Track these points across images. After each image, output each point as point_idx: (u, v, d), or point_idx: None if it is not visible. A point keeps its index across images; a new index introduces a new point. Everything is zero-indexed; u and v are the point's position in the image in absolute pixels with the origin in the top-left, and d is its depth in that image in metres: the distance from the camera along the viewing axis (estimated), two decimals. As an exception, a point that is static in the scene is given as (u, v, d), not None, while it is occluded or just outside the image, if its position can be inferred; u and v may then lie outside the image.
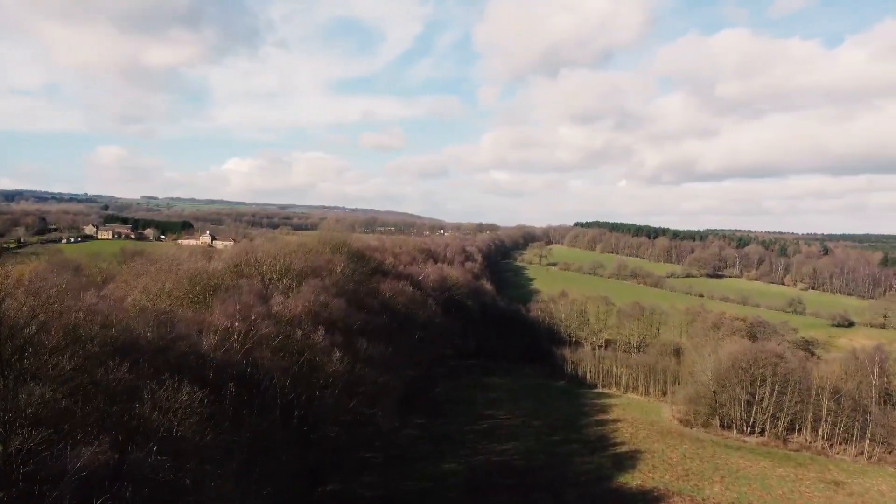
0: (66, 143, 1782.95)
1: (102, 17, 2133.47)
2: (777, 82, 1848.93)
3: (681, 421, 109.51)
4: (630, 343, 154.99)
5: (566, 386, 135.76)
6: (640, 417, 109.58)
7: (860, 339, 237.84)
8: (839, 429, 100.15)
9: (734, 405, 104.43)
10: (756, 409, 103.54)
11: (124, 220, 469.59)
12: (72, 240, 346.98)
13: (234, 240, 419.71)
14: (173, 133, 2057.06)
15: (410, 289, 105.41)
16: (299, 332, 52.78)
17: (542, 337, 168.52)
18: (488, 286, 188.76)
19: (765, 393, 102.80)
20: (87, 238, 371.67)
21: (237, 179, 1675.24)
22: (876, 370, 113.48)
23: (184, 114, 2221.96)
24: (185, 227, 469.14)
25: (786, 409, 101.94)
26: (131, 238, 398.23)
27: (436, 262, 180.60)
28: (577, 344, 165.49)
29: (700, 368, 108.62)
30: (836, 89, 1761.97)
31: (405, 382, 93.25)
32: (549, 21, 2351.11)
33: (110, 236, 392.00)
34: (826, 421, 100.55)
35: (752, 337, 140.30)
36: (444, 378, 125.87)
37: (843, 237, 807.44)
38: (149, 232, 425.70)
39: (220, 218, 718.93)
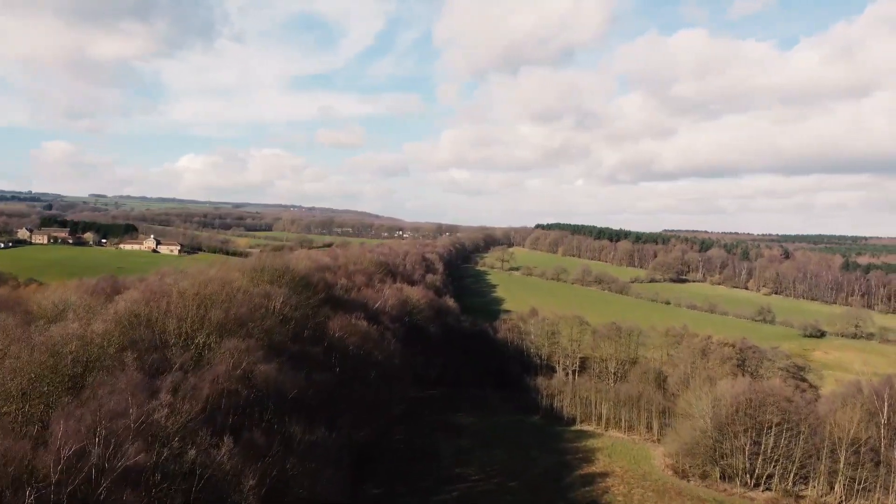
0: (10, 137, 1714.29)
1: (47, 7, 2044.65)
2: (733, 83, 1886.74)
3: (675, 471, 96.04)
4: (607, 369, 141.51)
5: (541, 422, 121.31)
6: (629, 468, 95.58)
7: (834, 351, 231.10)
8: (857, 483, 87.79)
9: (736, 454, 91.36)
10: (762, 458, 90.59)
11: (63, 223, 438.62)
12: (1, 245, 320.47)
13: (179, 244, 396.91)
14: (125, 128, 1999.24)
15: (365, 324, 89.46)
16: (192, 452, 36.60)
17: (511, 360, 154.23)
18: (451, 303, 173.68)
19: (770, 441, 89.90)
20: (19, 243, 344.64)
21: (191, 177, 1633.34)
22: (885, 408, 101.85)
23: (136, 109, 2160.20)
24: (128, 230, 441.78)
25: (796, 460, 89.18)
26: (69, 243, 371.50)
27: (394, 278, 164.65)
28: (550, 367, 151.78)
29: (697, 412, 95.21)
30: (790, 91, 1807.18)
31: (358, 443, 77.65)
32: (510, 18, 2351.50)
33: (46, 241, 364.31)
34: (843, 474, 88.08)
35: (742, 363, 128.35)
36: (404, 418, 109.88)
37: (798, 238, 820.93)
38: (88, 236, 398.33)
39: (170, 219, 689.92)
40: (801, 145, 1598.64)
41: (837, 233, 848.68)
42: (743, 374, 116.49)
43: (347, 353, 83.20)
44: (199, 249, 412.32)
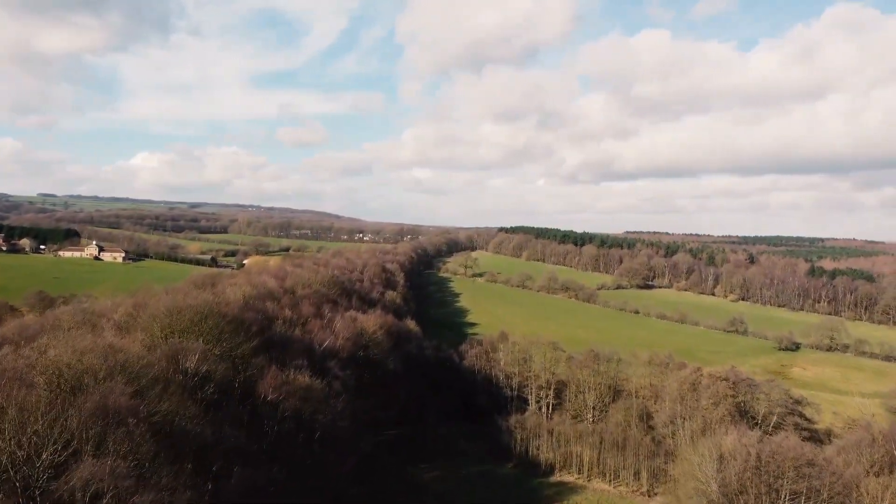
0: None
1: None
2: (694, 84, 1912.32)
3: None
4: (586, 402, 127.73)
5: (516, 473, 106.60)
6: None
7: (812, 367, 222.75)
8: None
9: (748, 524, 77.97)
10: (777, 530, 77.37)
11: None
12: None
13: (124, 251, 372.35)
14: (77, 125, 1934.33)
15: (306, 379, 73.53)
16: None
17: (480, 391, 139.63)
18: (413, 325, 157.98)
19: (787, 509, 76.73)
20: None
21: (146, 175, 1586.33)
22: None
23: (89, 105, 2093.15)
24: (69, 235, 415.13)
25: (817, 533, 76.13)
26: (2, 250, 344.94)
27: (350, 298, 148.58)
28: (522, 399, 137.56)
29: (701, 475, 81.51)
30: (750, 92, 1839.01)
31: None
32: (474, 16, 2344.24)
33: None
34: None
35: (735, 396, 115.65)
36: (356, 477, 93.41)
37: (757, 239, 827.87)
38: (24, 242, 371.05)
39: (120, 220, 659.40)
40: (758, 146, 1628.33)
41: (794, 233, 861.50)
42: (743, 419, 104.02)
43: (284, 419, 67.16)
44: (147, 256, 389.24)
